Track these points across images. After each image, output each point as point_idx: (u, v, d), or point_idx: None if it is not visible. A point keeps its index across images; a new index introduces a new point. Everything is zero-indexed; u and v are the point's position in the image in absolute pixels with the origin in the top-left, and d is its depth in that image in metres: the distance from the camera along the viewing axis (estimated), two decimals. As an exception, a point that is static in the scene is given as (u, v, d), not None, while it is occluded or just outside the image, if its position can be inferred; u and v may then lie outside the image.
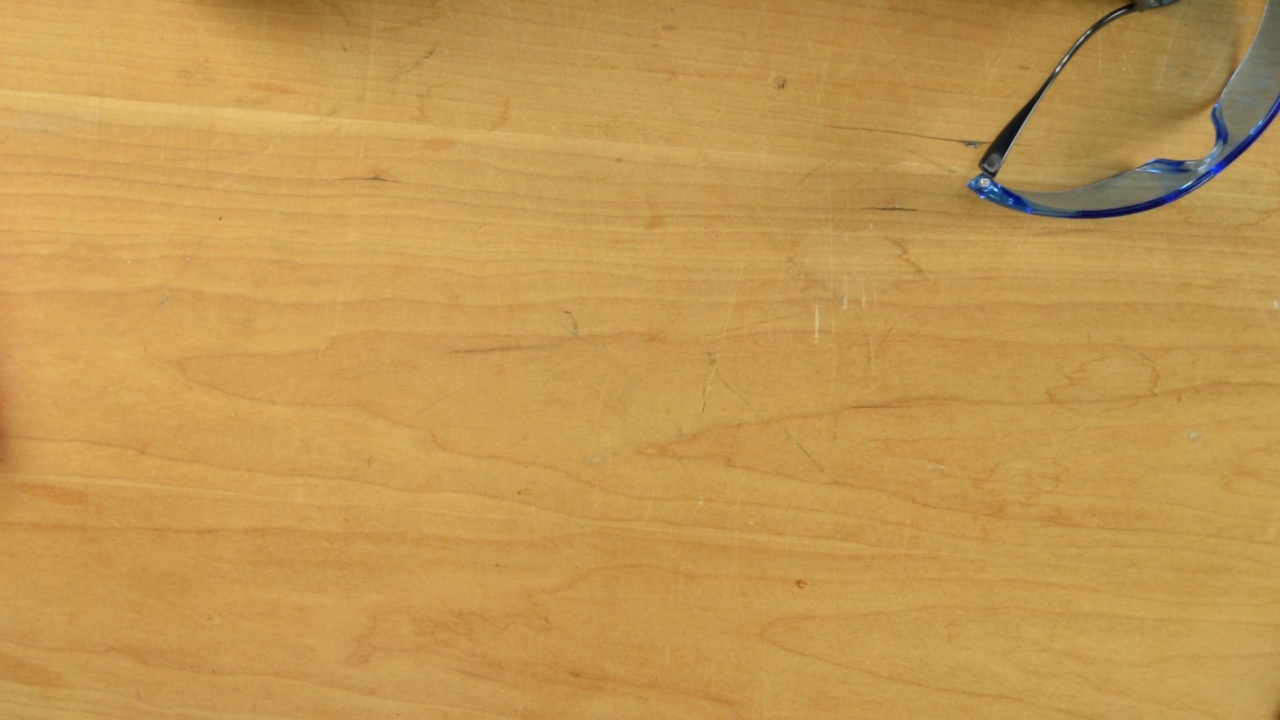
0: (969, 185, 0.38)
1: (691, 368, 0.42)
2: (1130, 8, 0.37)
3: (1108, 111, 0.39)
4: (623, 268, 0.41)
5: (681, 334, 0.42)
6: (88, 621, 0.46)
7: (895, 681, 0.45)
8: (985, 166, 0.37)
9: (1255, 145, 0.39)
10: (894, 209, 0.40)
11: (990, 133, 0.39)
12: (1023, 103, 0.39)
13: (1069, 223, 0.40)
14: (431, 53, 0.40)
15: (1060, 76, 0.39)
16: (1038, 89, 0.39)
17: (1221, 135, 0.37)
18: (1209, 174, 0.36)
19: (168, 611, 0.46)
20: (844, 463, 0.43)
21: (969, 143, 0.40)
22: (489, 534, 0.44)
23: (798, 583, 0.44)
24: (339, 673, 0.46)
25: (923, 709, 0.45)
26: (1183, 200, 0.40)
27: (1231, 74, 0.38)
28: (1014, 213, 0.40)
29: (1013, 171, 0.40)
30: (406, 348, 0.42)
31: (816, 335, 0.41)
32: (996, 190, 0.37)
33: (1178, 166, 0.38)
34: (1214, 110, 0.38)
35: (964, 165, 0.40)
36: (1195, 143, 0.39)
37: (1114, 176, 0.39)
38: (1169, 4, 0.37)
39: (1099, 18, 0.38)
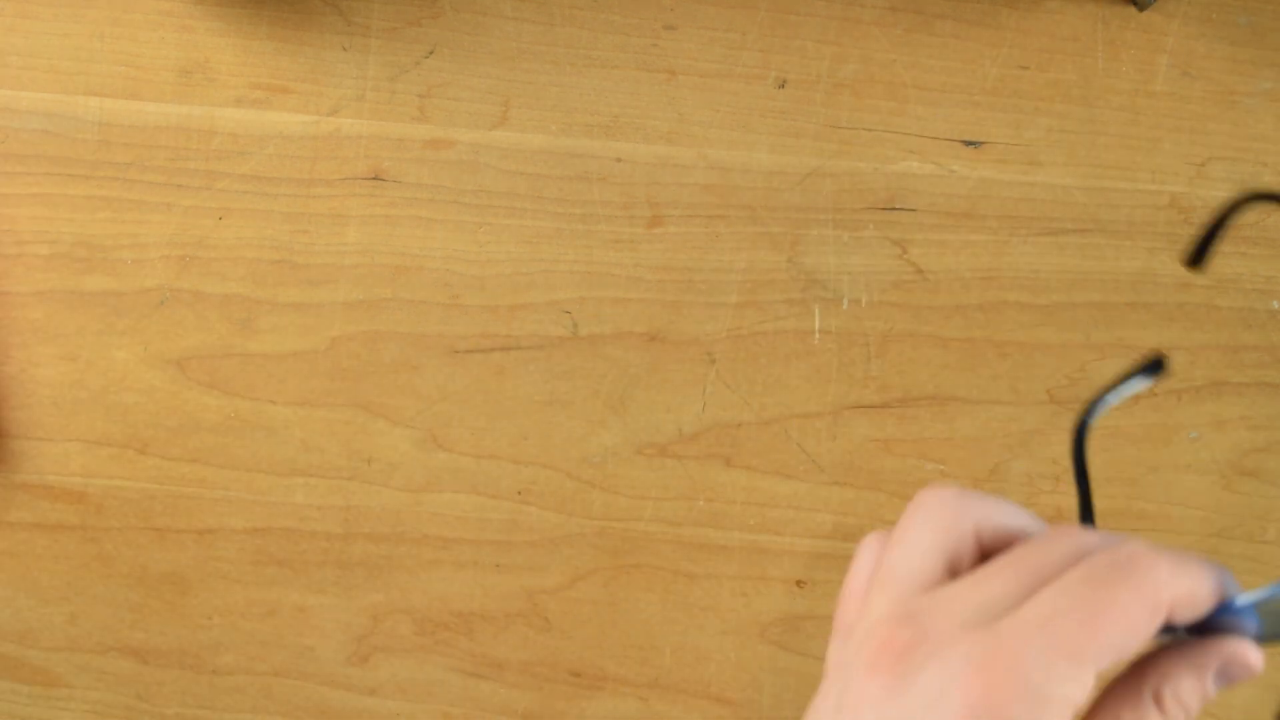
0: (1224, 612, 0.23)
1: (691, 368, 0.42)
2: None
3: (1108, 111, 0.39)
4: (623, 268, 0.41)
5: (681, 334, 0.42)
6: (88, 621, 0.46)
7: (895, 681, 0.45)
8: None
9: (1255, 145, 0.39)
10: (894, 209, 0.40)
11: (991, 132, 0.39)
12: (1023, 102, 0.39)
13: (1069, 222, 0.40)
14: (431, 53, 0.40)
15: (1060, 76, 0.39)
16: (1048, 91, 0.39)
17: None
18: None
19: (168, 611, 0.46)
20: (844, 463, 0.43)
21: (969, 143, 0.40)
22: (489, 534, 0.44)
23: (798, 583, 0.44)
24: (339, 673, 0.46)
25: (923, 709, 0.45)
26: (1182, 200, 0.40)
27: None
28: (1014, 212, 0.40)
29: (1013, 171, 0.40)
30: (406, 348, 0.42)
31: (816, 335, 0.41)
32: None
33: None
34: None
35: (964, 165, 0.40)
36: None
37: None
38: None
39: (1099, 18, 0.38)
